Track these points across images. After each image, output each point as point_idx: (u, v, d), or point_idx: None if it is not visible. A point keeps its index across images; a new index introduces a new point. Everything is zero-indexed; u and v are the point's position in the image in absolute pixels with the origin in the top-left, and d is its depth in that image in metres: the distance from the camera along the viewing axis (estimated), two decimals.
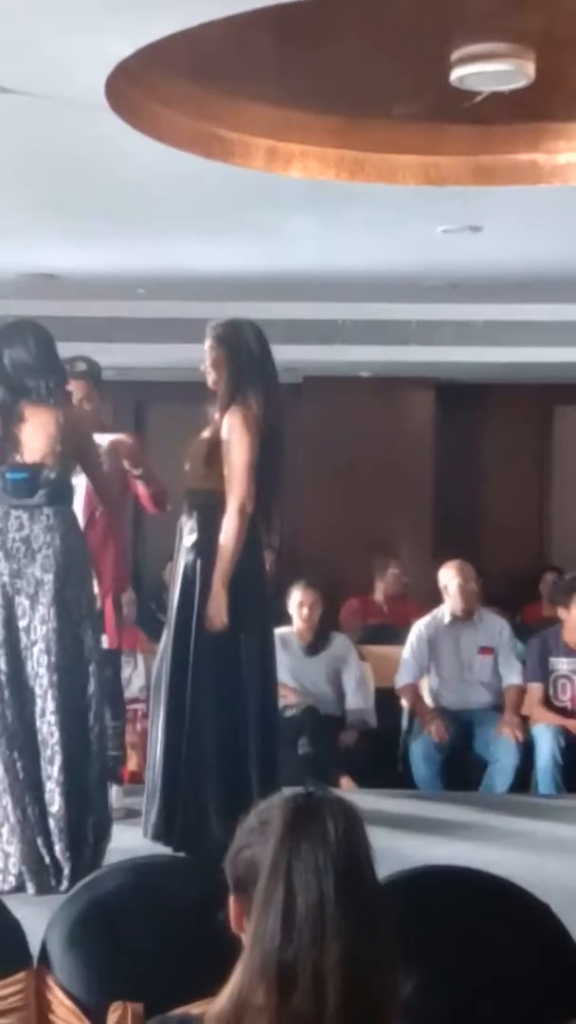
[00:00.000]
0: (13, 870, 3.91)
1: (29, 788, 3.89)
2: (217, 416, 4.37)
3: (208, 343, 4.43)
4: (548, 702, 5.85)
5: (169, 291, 7.22)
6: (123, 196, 5.22)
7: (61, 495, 4.03)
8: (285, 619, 6.02)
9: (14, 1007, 2.16)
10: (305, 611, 6.02)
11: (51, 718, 3.90)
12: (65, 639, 3.93)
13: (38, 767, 3.90)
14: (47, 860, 3.87)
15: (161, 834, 4.17)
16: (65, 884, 3.76)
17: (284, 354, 7.90)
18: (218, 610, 4.19)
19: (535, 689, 5.88)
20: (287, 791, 1.59)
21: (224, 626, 4.19)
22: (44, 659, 3.92)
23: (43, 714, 3.91)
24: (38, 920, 2.32)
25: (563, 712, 5.81)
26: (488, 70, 3.57)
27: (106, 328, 7.50)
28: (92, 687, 3.98)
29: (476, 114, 4.04)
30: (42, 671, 3.92)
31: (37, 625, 3.92)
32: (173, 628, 4.30)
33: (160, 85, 3.94)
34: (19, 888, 3.88)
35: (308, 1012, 1.45)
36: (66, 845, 3.86)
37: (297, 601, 6.03)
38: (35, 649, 3.93)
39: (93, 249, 6.27)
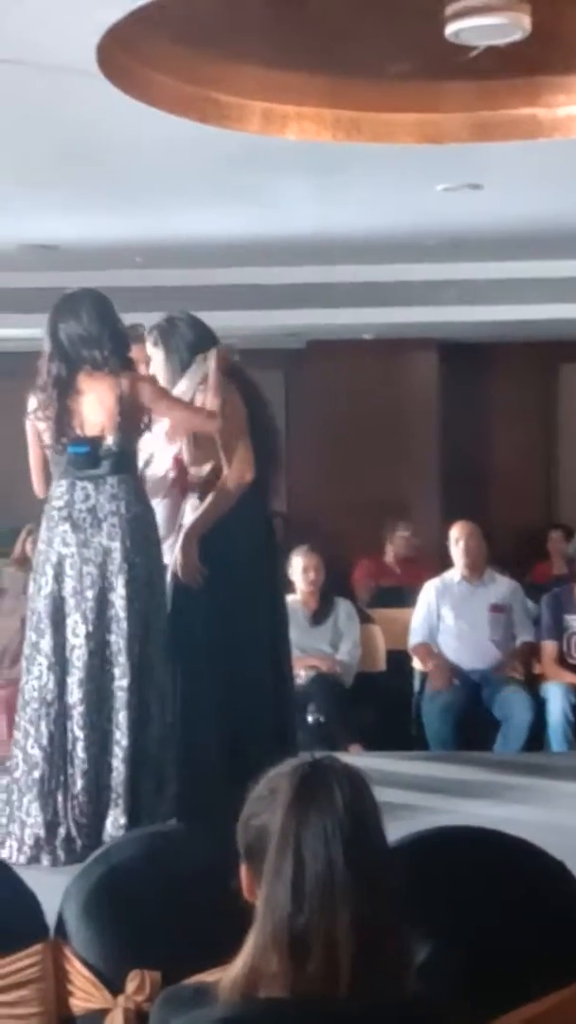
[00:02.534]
0: (29, 841, 3.92)
1: (89, 755, 3.90)
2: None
3: (149, 346, 4.44)
4: (562, 659, 5.85)
5: (167, 259, 7.18)
6: (119, 164, 5.18)
7: (125, 464, 4.05)
8: (290, 587, 6.02)
9: (31, 979, 2.17)
10: (311, 574, 6.01)
11: (121, 683, 3.93)
12: (135, 606, 3.96)
13: (103, 734, 3.93)
14: (73, 831, 3.89)
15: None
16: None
17: (286, 319, 7.93)
18: (188, 562, 4.17)
19: (549, 647, 5.88)
20: (295, 759, 1.59)
21: (198, 581, 4.18)
22: (114, 626, 3.95)
23: (113, 679, 3.95)
24: (54, 891, 2.33)
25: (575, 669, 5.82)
26: (483, 24, 3.52)
27: None
28: (157, 652, 4.02)
29: (473, 69, 3.99)
30: (112, 638, 3.95)
31: (107, 593, 3.96)
32: (171, 607, 4.27)
33: (152, 50, 3.90)
34: (34, 860, 3.90)
35: (322, 978, 1.46)
36: (123, 810, 3.87)
37: (300, 566, 6.03)
38: (105, 617, 3.96)
39: (91, 218, 6.24)
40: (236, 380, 4.34)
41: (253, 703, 4.25)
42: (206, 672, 4.21)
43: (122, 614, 3.95)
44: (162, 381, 4.34)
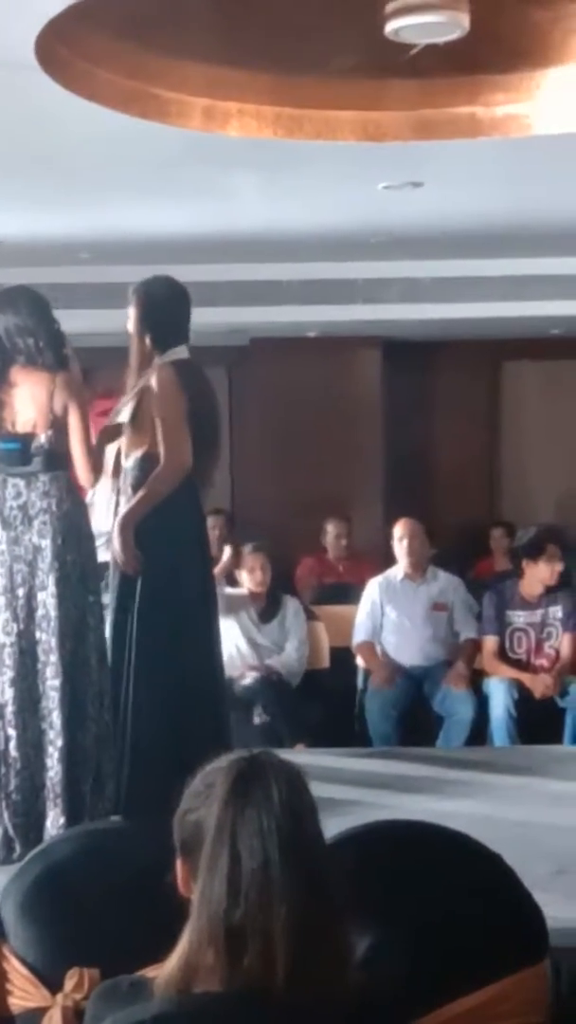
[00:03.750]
0: None
1: (23, 754, 3.89)
2: (138, 377, 4.37)
3: (131, 306, 4.47)
4: (503, 655, 5.89)
5: (113, 255, 7.14)
6: (63, 158, 5.15)
7: (57, 461, 4.04)
8: (232, 581, 6.03)
9: None
10: (258, 574, 6.02)
11: (54, 682, 3.92)
12: (66, 604, 3.94)
13: (37, 733, 3.91)
14: (10, 831, 3.87)
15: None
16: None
17: (230, 316, 7.91)
18: (125, 547, 4.16)
19: (490, 642, 5.91)
20: (232, 753, 1.59)
21: (135, 570, 4.17)
22: (45, 624, 3.94)
23: (45, 679, 3.93)
24: None
25: (518, 665, 5.86)
26: (422, 22, 3.53)
27: (50, 294, 7.41)
28: (91, 651, 4.01)
29: (414, 68, 4.00)
30: (43, 636, 3.93)
31: (37, 591, 3.94)
32: (114, 604, 4.27)
33: (92, 44, 3.87)
34: None
35: (258, 972, 1.46)
36: (62, 810, 3.85)
37: (248, 565, 6.03)
38: (36, 615, 3.94)
39: (35, 214, 6.19)
40: (177, 368, 4.33)
41: (193, 698, 4.24)
42: (146, 667, 4.20)
43: (53, 612, 3.93)
44: (134, 340, 4.39)
